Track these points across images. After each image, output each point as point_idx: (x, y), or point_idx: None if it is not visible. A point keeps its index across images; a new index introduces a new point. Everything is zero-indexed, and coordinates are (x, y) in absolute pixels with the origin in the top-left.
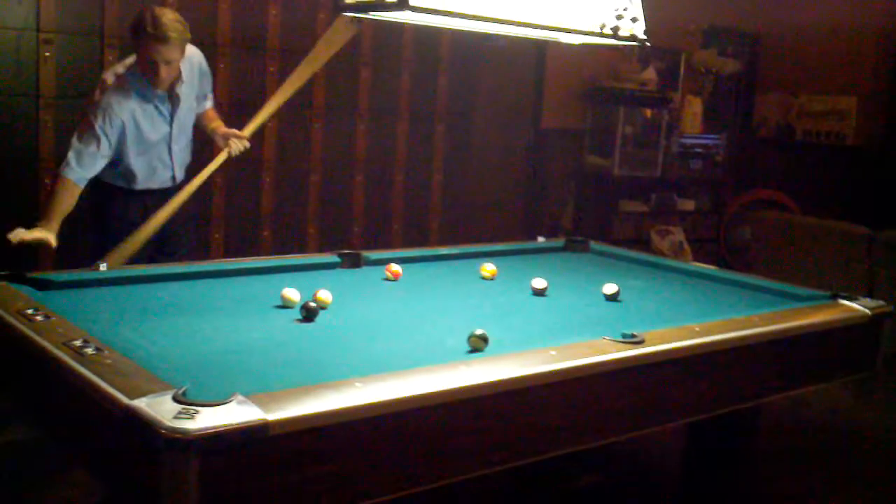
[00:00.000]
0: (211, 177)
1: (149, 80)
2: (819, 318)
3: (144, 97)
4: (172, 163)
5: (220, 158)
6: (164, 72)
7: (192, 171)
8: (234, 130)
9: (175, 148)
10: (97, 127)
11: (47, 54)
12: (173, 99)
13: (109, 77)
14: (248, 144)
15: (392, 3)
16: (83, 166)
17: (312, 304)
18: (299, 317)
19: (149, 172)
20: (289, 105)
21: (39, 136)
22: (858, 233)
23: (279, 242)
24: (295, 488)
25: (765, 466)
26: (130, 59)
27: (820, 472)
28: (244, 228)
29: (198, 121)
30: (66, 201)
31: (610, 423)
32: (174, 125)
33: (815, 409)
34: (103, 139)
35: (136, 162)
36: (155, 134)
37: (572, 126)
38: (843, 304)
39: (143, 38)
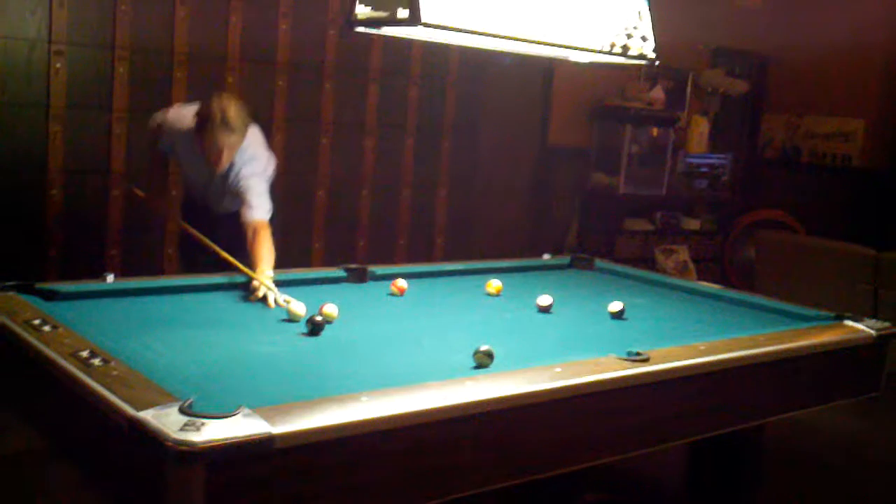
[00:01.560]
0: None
1: (209, 158)
2: (824, 339)
3: (190, 152)
4: (211, 199)
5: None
6: (227, 156)
7: None
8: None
9: (216, 201)
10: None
11: (58, 66)
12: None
13: (170, 121)
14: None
15: (404, 20)
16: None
17: (318, 318)
18: (305, 331)
19: (198, 195)
20: (296, 118)
21: (48, 147)
22: (864, 254)
23: (284, 256)
24: (300, 502)
25: (769, 485)
26: (190, 111)
27: (825, 492)
28: None
29: (244, 223)
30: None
31: (615, 440)
32: (210, 184)
33: (820, 429)
34: (156, 143)
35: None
36: (191, 172)
37: (579, 144)
38: (848, 325)
39: (211, 126)
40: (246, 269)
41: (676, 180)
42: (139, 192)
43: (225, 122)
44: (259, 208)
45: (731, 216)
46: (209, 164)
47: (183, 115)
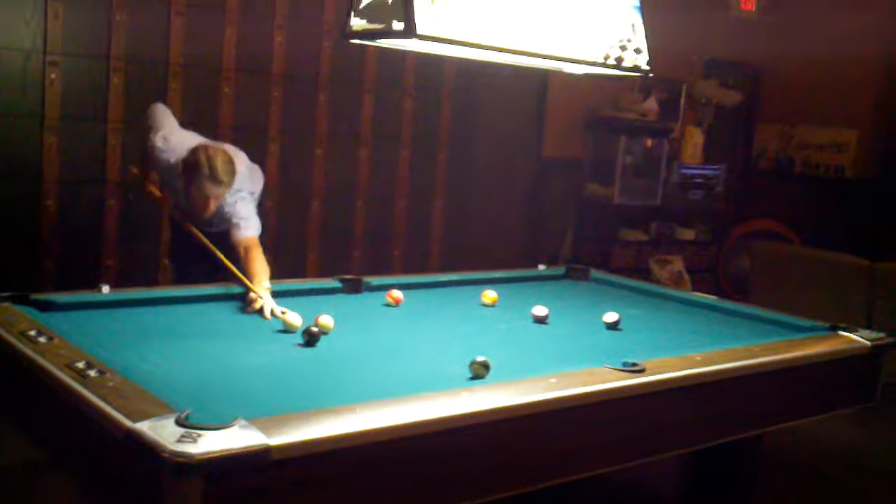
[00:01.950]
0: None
1: (195, 208)
2: (819, 350)
3: (177, 184)
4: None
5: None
6: (213, 205)
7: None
8: (266, 296)
9: (205, 225)
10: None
11: (53, 76)
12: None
13: (166, 146)
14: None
15: (399, 32)
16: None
17: (314, 329)
18: (301, 341)
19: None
20: (291, 129)
21: (43, 158)
22: (858, 264)
23: (279, 267)
24: None
25: (766, 495)
26: (181, 144)
27: (822, 500)
28: None
29: (234, 243)
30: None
31: (611, 451)
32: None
33: (818, 437)
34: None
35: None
36: (181, 205)
37: (573, 155)
38: (843, 336)
39: (198, 177)
40: (244, 279)
41: (670, 191)
42: (134, 170)
43: (212, 176)
44: (247, 227)
45: (725, 226)
46: (194, 210)
47: (172, 148)
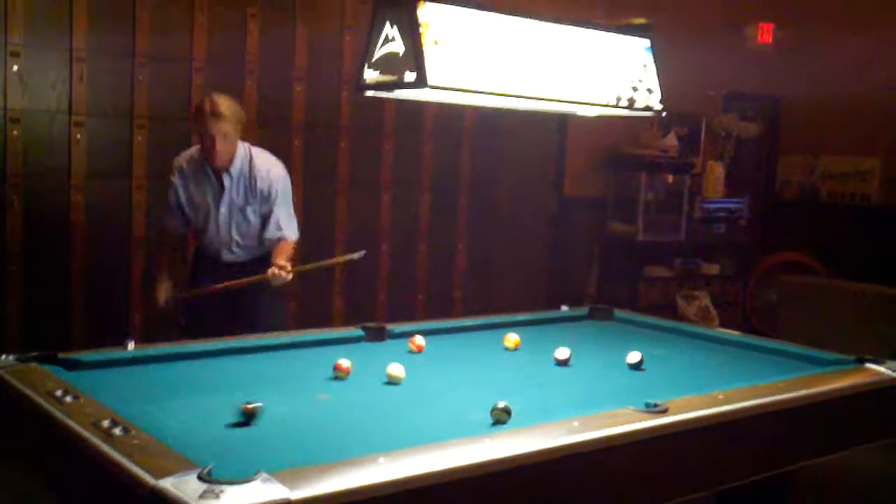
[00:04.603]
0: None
1: (207, 155)
2: (844, 384)
3: (200, 175)
4: (222, 240)
5: (256, 278)
6: (220, 145)
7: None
8: (283, 263)
9: (224, 227)
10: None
11: (78, 136)
12: (221, 181)
13: (181, 158)
14: (288, 279)
15: (411, 83)
16: (165, 215)
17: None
18: (324, 393)
19: (209, 240)
20: (313, 177)
21: (70, 216)
22: (886, 294)
23: (305, 314)
24: None
25: None
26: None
27: None
28: None
29: (271, 240)
30: (164, 251)
31: (635, 494)
32: (221, 207)
33: (845, 474)
34: (171, 193)
35: (196, 223)
36: (202, 204)
37: (595, 193)
38: (869, 369)
39: (201, 115)
40: (258, 277)
41: (694, 226)
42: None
43: (214, 111)
44: (287, 228)
45: (750, 260)
46: (210, 163)
47: (180, 166)
